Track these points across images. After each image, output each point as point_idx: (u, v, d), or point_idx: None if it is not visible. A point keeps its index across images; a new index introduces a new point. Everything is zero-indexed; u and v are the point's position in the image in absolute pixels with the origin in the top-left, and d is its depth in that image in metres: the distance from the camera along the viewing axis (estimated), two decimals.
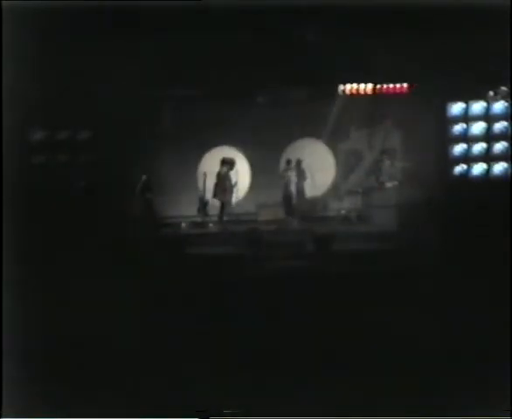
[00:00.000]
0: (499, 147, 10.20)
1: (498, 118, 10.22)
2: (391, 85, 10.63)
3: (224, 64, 9.62)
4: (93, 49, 9.00)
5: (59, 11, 7.48)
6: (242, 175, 11.74)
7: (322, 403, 4.10)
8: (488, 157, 10.28)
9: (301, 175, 11.43)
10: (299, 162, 11.45)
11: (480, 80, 9.59)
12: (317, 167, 11.86)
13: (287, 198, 11.20)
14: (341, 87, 10.65)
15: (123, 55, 9.20)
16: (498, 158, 10.20)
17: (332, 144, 12.13)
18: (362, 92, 10.66)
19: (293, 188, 11.28)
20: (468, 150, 10.38)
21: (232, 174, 11.19)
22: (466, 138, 10.40)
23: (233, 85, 10.28)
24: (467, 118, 10.41)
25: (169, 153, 11.59)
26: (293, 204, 11.19)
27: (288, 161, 11.46)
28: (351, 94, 10.73)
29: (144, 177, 10.74)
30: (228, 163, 11.20)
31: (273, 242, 8.74)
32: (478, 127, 10.35)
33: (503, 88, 9.86)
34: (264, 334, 4.63)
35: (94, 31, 8.57)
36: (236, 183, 11.29)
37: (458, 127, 10.43)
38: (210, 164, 11.66)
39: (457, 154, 10.43)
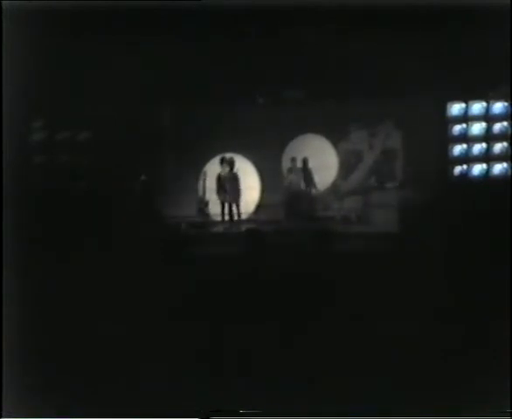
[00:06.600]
0: (499, 147, 10.23)
1: (498, 118, 10.25)
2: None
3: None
4: (92, 48, 9.05)
5: (60, 11, 7.48)
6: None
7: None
8: (488, 157, 10.31)
9: (308, 174, 11.42)
10: (305, 161, 11.43)
11: (481, 80, 9.61)
12: (320, 165, 11.80)
13: (290, 197, 11.18)
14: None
15: (123, 55, 9.23)
16: (498, 158, 10.23)
17: (333, 143, 12.09)
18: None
19: (297, 188, 11.26)
20: (468, 150, 10.41)
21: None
22: (466, 138, 10.44)
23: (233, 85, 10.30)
24: (466, 118, 10.44)
25: (171, 154, 11.63)
26: (296, 204, 11.14)
27: (293, 159, 11.46)
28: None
29: (143, 177, 10.76)
30: (228, 162, 11.21)
31: (273, 242, 8.72)
32: (478, 128, 10.38)
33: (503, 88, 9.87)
34: (263, 335, 4.63)
35: (95, 31, 8.59)
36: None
37: (458, 127, 10.46)
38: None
39: (457, 154, 10.46)
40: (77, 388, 4.34)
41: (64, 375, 4.43)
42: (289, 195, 11.26)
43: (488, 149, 10.32)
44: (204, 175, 11.52)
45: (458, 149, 10.47)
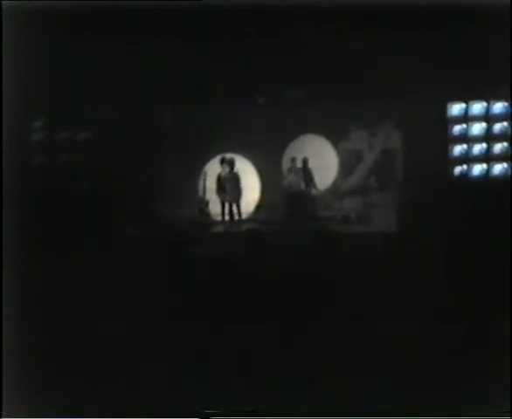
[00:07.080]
0: (499, 147, 10.23)
1: (498, 118, 10.25)
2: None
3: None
4: (92, 48, 9.05)
5: (60, 11, 7.48)
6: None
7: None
8: (488, 157, 10.31)
9: (308, 174, 11.42)
10: (305, 161, 11.43)
11: (481, 80, 9.60)
12: (320, 165, 11.78)
13: (290, 198, 11.18)
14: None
15: (123, 55, 9.23)
16: (498, 158, 10.22)
17: (333, 143, 12.07)
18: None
19: (297, 188, 11.26)
20: (468, 150, 10.40)
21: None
22: (466, 138, 10.44)
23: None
24: (467, 118, 10.44)
25: (171, 154, 11.63)
26: (296, 204, 11.15)
27: (293, 160, 11.46)
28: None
29: (143, 177, 10.77)
30: (228, 163, 11.22)
31: (273, 242, 8.71)
32: (478, 128, 10.38)
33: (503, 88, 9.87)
34: (263, 335, 4.62)
35: (95, 31, 8.59)
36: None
37: (458, 127, 10.45)
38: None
39: (457, 154, 10.46)
40: (77, 388, 4.35)
41: (64, 375, 4.43)
42: (289, 195, 11.27)
43: (488, 149, 10.31)
44: (204, 175, 11.51)
45: (458, 149, 10.47)
